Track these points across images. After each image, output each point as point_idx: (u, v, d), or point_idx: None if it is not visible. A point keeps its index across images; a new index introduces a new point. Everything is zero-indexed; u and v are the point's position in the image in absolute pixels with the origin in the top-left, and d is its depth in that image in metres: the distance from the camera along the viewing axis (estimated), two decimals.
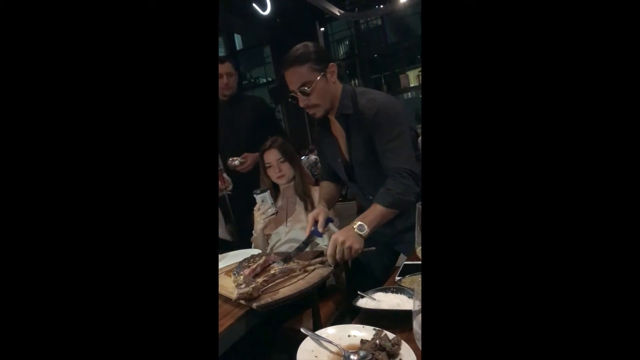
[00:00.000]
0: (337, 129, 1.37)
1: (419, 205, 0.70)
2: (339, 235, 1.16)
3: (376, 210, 1.19)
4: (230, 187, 2.28)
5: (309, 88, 1.23)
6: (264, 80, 8.40)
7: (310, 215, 1.37)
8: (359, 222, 1.16)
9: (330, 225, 1.35)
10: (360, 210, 1.45)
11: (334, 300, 1.55)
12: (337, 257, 1.12)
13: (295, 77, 1.25)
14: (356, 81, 7.83)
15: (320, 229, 1.31)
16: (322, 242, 1.52)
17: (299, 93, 1.25)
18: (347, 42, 9.82)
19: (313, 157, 5.30)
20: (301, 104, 1.29)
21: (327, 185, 1.54)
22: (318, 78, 1.23)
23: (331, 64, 1.26)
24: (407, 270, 1.02)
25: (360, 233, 1.14)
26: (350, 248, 1.12)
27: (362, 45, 8.80)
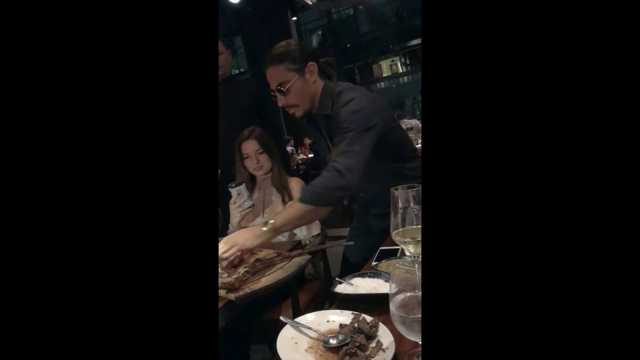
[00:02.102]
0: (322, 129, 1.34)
1: (393, 190, 0.72)
2: (237, 233, 1.13)
3: (294, 208, 1.15)
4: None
5: (284, 88, 1.22)
6: (237, 71, 8.26)
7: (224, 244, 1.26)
8: (269, 219, 1.12)
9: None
10: (344, 210, 1.44)
11: (313, 288, 1.56)
12: (225, 255, 1.07)
13: (273, 76, 1.23)
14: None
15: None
16: (299, 233, 1.53)
17: (276, 92, 1.24)
18: (319, 32, 9.76)
19: (289, 148, 5.28)
20: (279, 104, 1.26)
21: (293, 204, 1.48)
22: (295, 78, 1.21)
23: (310, 63, 1.23)
24: (383, 255, 1.04)
25: (263, 228, 1.10)
26: (238, 246, 1.08)
27: (334, 35, 8.78)
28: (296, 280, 1.39)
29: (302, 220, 1.17)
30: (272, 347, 1.77)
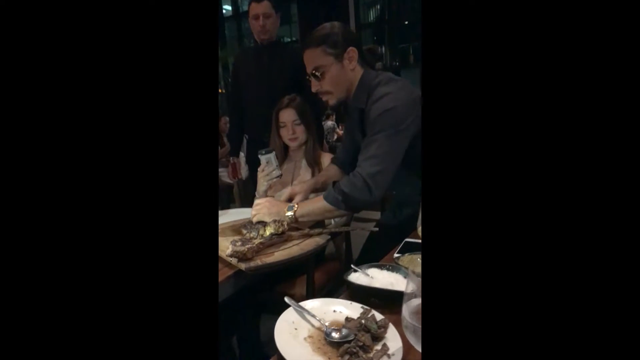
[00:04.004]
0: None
1: None
2: (268, 202, 1.16)
3: (318, 202, 1.11)
4: (245, 175, 2.22)
5: (319, 72, 1.14)
6: (288, 40, 8.14)
7: (288, 191, 1.30)
8: (295, 205, 1.11)
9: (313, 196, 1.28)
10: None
11: (331, 269, 1.52)
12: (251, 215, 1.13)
13: (309, 58, 1.16)
14: (382, 49, 7.50)
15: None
16: None
17: (311, 77, 1.16)
18: (378, 6, 9.35)
19: (330, 122, 5.20)
20: (313, 89, 1.20)
21: (331, 169, 1.45)
22: (332, 63, 1.13)
23: (350, 48, 1.13)
24: (407, 248, 0.96)
25: (287, 212, 1.09)
26: (254, 215, 1.13)
27: (392, 10, 8.36)
28: (315, 259, 1.35)
29: (322, 216, 1.14)
30: None
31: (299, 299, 0.72)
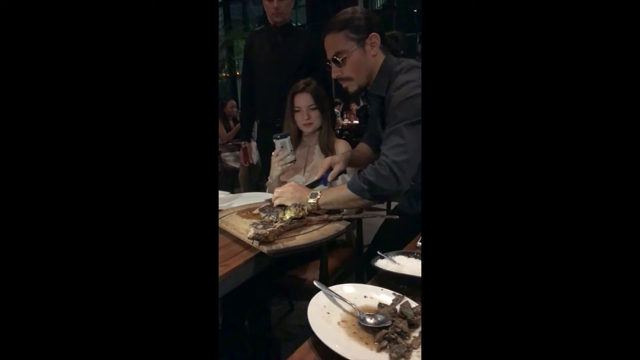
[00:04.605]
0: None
1: None
2: (292, 187, 1.14)
3: (341, 190, 1.09)
4: (256, 160, 2.20)
5: (341, 58, 1.11)
6: (294, 25, 8.02)
7: (327, 160, 1.29)
8: (318, 192, 1.10)
9: (343, 176, 1.28)
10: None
11: (342, 255, 1.51)
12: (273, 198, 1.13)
13: (331, 44, 1.13)
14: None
15: (329, 178, 1.25)
16: None
17: (332, 62, 1.13)
18: None
19: (335, 111, 5.15)
20: (333, 75, 1.17)
21: (363, 147, 1.44)
22: (354, 48, 1.10)
23: (373, 34, 1.11)
24: None
25: (310, 200, 1.08)
26: (277, 198, 1.12)
27: None
28: (327, 244, 1.34)
29: (345, 205, 1.12)
30: (291, 303, 1.78)
31: (311, 284, 0.71)
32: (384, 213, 1.31)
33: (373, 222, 1.45)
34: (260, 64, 2.01)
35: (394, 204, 1.58)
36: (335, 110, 5.08)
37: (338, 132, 4.56)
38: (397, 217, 1.11)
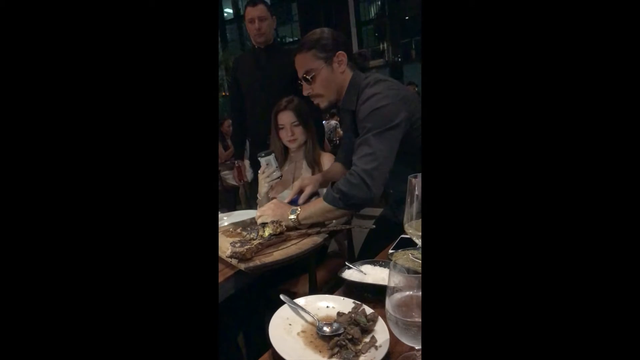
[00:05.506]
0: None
1: (411, 178, 0.66)
2: (273, 204, 1.18)
3: (318, 203, 1.14)
4: (250, 178, 2.25)
5: (310, 76, 1.18)
6: (290, 40, 8.16)
7: (298, 183, 1.33)
8: (298, 207, 1.14)
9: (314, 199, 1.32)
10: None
11: (333, 266, 1.54)
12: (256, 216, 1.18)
13: (300, 63, 1.20)
14: (384, 45, 7.48)
15: (300, 200, 1.28)
16: None
17: (302, 81, 1.19)
18: (378, 2, 9.32)
19: (333, 122, 5.21)
20: (304, 93, 1.23)
21: (336, 166, 1.48)
22: (322, 66, 1.16)
23: (339, 52, 1.17)
24: (403, 244, 0.99)
25: (290, 216, 1.12)
26: (260, 217, 1.17)
27: (394, 5, 8.33)
28: (317, 256, 1.37)
29: (324, 217, 1.15)
30: None
31: (302, 296, 0.75)
32: (372, 222, 1.34)
33: (364, 232, 1.48)
34: (247, 85, 2.08)
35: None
36: (332, 122, 5.13)
37: (337, 142, 4.61)
38: (374, 226, 1.15)
